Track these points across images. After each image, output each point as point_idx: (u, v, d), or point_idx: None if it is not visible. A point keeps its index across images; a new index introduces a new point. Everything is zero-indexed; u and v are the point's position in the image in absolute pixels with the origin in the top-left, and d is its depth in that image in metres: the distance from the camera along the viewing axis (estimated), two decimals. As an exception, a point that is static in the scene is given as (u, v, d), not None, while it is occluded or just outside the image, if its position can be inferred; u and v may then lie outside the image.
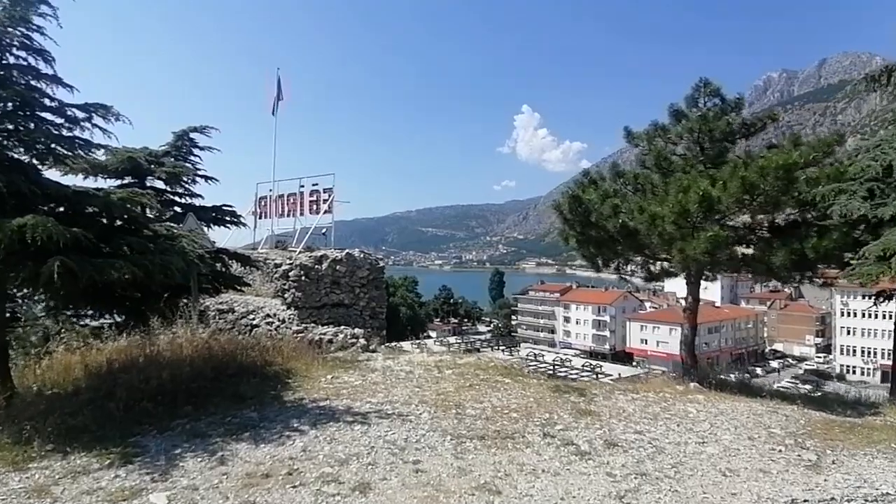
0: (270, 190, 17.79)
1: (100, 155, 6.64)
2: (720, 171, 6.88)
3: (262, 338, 8.67)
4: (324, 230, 16.10)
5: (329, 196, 15.93)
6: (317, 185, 16.30)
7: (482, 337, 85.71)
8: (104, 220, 5.97)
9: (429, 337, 76.83)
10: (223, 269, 11.61)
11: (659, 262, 8.35)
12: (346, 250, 14.04)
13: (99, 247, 5.52)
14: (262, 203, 18.19)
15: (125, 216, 6.10)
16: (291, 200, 17.14)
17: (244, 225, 11.96)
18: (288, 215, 17.26)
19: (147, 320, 6.63)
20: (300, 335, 12.74)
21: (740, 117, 8.18)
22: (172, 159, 10.03)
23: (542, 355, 65.25)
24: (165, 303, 7.49)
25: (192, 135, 10.83)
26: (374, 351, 11.36)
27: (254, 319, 14.77)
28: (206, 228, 10.58)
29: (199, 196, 10.93)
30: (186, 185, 10.46)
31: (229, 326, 15.02)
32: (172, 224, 7.98)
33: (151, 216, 10.37)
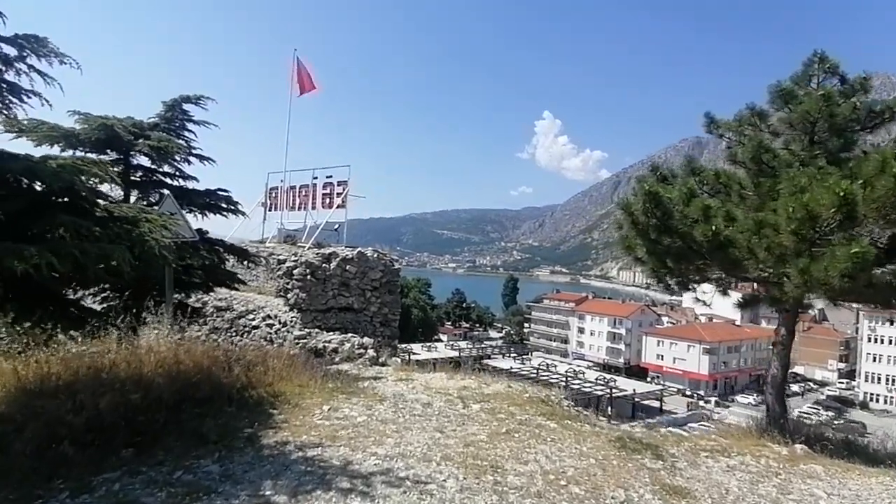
0: (282, 180, 16.61)
1: (51, 115, 5.15)
2: (861, 166, 5.19)
3: (248, 350, 7.14)
4: (336, 226, 14.81)
5: (343, 189, 14.60)
6: (331, 177, 15.04)
7: (494, 343, 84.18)
8: (39, 196, 4.51)
9: (439, 340, 75.39)
10: (219, 264, 10.21)
11: (755, 285, 6.66)
12: (359, 249, 12.54)
13: (21, 227, 4.07)
14: (273, 194, 16.96)
15: (70, 190, 4.63)
16: (303, 192, 15.89)
17: (242, 213, 10.56)
18: (299, 208, 16.01)
19: (81, 327, 5.16)
20: (302, 341, 11.26)
21: (868, 102, 6.47)
22: (163, 133, 8.65)
23: (555, 365, 63.54)
24: (131, 301, 6.07)
25: (185, 106, 9.42)
26: (383, 364, 9.86)
27: (253, 320, 13.33)
28: (197, 216, 9.16)
29: (193, 178, 9.52)
30: (177, 164, 9.07)
31: (226, 325, 13.66)
32: (147, 207, 6.52)
33: (136, 197, 9.00)
